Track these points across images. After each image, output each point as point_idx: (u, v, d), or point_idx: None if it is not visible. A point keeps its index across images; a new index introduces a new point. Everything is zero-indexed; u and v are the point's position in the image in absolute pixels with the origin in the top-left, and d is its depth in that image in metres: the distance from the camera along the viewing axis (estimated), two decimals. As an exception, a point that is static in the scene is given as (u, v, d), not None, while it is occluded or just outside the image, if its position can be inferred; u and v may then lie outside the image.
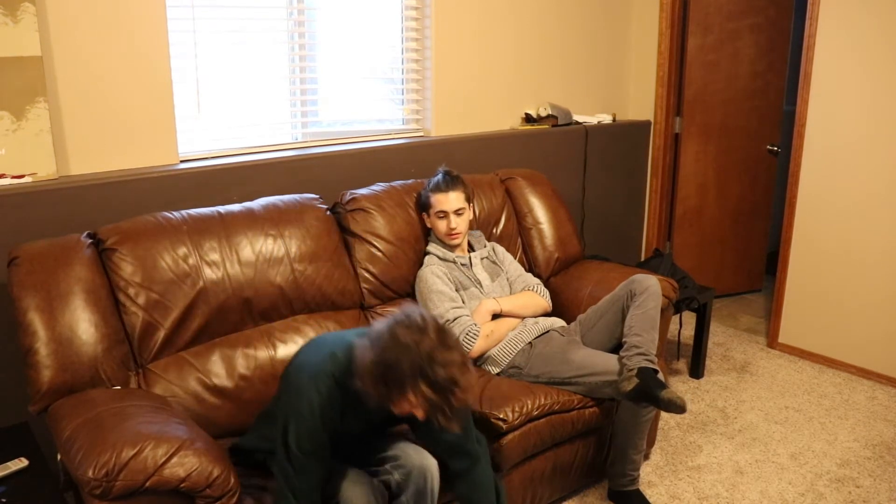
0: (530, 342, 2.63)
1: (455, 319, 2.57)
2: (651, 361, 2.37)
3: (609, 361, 2.46)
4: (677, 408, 2.23)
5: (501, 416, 2.29)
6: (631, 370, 2.35)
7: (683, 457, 2.92)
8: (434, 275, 2.67)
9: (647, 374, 2.32)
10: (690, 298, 3.43)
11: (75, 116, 2.46)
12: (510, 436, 2.31)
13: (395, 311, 1.79)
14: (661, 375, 2.36)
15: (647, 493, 2.66)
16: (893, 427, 3.16)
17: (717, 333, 4.15)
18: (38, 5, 2.30)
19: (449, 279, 2.68)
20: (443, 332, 1.68)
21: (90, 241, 2.20)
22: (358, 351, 1.73)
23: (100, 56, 2.47)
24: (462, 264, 2.75)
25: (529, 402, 2.36)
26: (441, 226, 2.73)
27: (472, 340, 2.56)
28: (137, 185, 2.52)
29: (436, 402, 1.63)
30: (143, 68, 2.57)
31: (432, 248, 2.77)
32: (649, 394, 2.28)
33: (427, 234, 2.82)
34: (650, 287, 2.53)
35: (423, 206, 2.80)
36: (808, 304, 3.80)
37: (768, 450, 2.97)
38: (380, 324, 1.74)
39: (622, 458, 2.54)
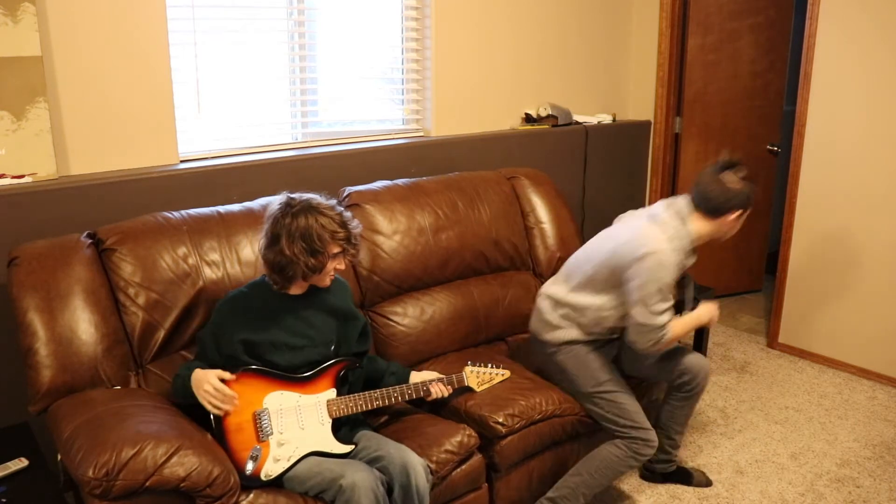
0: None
1: (663, 325, 2.29)
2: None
3: (638, 414, 2.41)
4: (704, 485, 2.72)
5: (501, 420, 2.29)
6: (671, 462, 2.71)
7: (684, 457, 2.92)
8: (675, 266, 2.28)
9: (684, 472, 2.73)
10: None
11: (75, 116, 2.46)
12: (509, 438, 2.31)
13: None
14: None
15: (647, 493, 2.66)
16: (893, 427, 3.16)
17: (717, 333, 4.15)
18: (38, 5, 2.30)
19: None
20: (304, 198, 2.06)
21: (90, 241, 2.20)
22: (268, 258, 2.04)
23: (100, 56, 2.47)
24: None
25: (530, 406, 2.36)
26: (736, 227, 2.39)
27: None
28: (137, 185, 2.52)
29: (348, 237, 2.04)
30: (143, 68, 2.57)
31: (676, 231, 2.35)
32: (683, 482, 2.73)
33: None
34: (704, 382, 2.58)
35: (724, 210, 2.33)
36: (808, 304, 3.80)
37: (768, 450, 2.97)
38: (263, 236, 2.06)
39: (669, 442, 2.66)
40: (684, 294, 2.99)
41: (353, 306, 2.27)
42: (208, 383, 1.94)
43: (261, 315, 2.08)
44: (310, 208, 2.02)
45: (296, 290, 2.11)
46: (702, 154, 4.36)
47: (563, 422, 2.42)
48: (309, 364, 2.09)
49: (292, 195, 2.07)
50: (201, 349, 2.11)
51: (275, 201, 2.08)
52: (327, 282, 2.11)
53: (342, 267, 2.09)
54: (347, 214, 2.09)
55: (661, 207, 2.42)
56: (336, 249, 2.04)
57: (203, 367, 2.00)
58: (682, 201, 2.39)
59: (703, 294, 3.48)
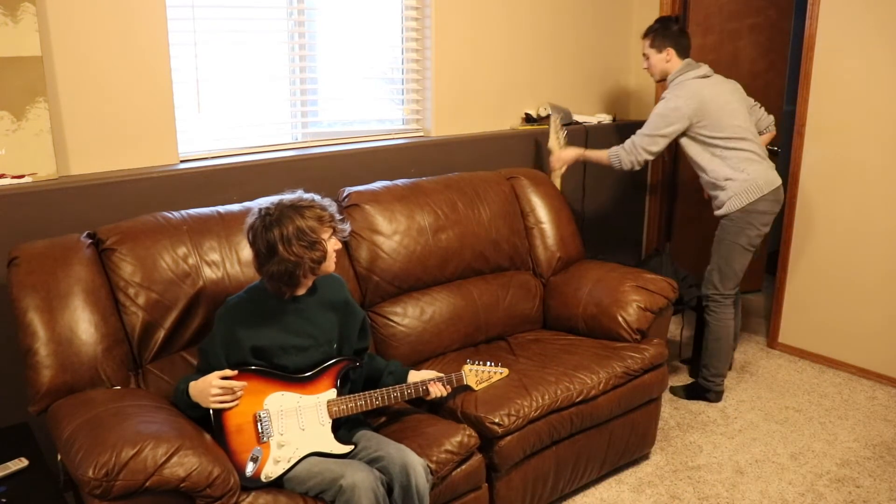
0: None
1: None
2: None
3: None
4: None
5: (497, 420, 2.28)
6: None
7: (683, 457, 2.92)
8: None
9: None
10: (691, 298, 3.43)
11: (75, 116, 2.46)
12: (508, 438, 2.31)
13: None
14: None
15: (647, 493, 2.66)
16: (893, 427, 3.16)
17: (717, 333, 4.14)
18: (38, 5, 2.30)
19: None
20: (276, 203, 2.05)
21: (90, 241, 2.20)
22: (271, 270, 2.01)
23: (100, 56, 2.47)
24: None
25: (526, 404, 2.35)
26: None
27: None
28: (137, 185, 2.52)
29: (332, 215, 2.08)
30: (143, 68, 2.57)
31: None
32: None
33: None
34: None
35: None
36: (808, 304, 3.80)
37: (768, 450, 2.97)
38: (255, 256, 2.05)
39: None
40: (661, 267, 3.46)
41: (350, 296, 2.28)
42: (213, 387, 1.94)
43: (265, 320, 2.08)
44: (288, 209, 2.02)
45: (300, 290, 2.12)
46: (702, 154, 4.35)
47: (560, 418, 2.42)
48: (315, 364, 2.10)
49: (261, 207, 2.06)
50: (204, 361, 2.08)
51: (248, 219, 2.06)
52: (332, 266, 2.12)
53: (339, 246, 2.12)
54: (317, 196, 2.11)
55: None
56: (328, 232, 2.07)
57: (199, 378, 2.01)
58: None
59: (679, 276, 3.50)
